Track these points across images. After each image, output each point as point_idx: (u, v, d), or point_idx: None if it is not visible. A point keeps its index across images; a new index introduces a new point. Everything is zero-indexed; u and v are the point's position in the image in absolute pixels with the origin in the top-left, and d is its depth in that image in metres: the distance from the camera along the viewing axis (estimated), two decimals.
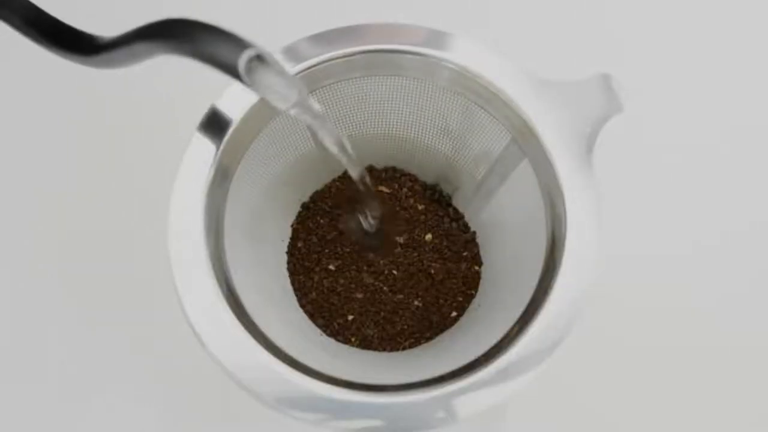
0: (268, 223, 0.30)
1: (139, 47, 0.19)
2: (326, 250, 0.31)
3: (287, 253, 0.31)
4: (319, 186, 0.33)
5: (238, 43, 0.18)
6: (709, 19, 0.39)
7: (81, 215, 0.35)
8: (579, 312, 0.22)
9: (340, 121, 0.30)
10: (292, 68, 0.25)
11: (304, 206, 0.32)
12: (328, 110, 0.29)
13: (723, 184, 0.36)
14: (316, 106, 0.22)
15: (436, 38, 0.26)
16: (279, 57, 0.25)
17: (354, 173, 0.26)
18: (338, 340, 0.30)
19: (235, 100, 0.25)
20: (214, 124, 0.25)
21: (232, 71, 0.18)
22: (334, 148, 0.24)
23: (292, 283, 0.31)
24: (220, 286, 0.23)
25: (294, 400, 0.21)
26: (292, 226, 0.32)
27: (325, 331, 0.30)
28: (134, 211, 0.34)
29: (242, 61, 0.18)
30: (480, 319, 0.29)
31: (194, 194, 0.24)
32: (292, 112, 0.21)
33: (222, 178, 0.25)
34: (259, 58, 0.18)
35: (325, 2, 0.38)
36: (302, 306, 0.30)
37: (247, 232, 0.27)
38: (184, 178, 0.24)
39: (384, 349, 0.30)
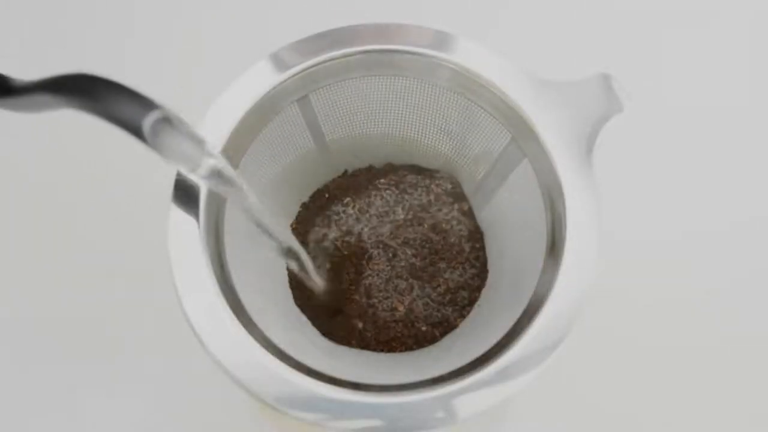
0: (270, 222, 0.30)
1: (44, 98, 0.19)
2: (325, 251, 0.31)
3: None
4: (319, 186, 0.33)
5: (144, 104, 0.18)
6: (710, 19, 0.39)
7: (81, 215, 0.35)
8: (579, 312, 0.22)
9: (340, 122, 0.30)
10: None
11: (304, 206, 0.32)
12: (328, 111, 0.29)
13: (724, 184, 0.36)
14: (230, 171, 0.21)
15: (437, 38, 0.26)
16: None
17: (277, 250, 0.25)
18: (337, 342, 0.30)
19: (235, 100, 0.25)
20: (215, 125, 0.25)
21: (136, 132, 0.18)
22: (251, 220, 0.23)
23: (291, 284, 0.31)
24: (220, 286, 0.23)
25: (294, 400, 0.21)
26: (291, 226, 0.32)
27: (323, 332, 0.30)
28: (134, 211, 0.34)
29: (147, 123, 0.17)
30: (480, 319, 0.29)
31: (194, 194, 0.24)
32: (202, 179, 0.20)
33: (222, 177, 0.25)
34: (166, 120, 0.18)
35: (324, 2, 0.38)
36: (300, 306, 0.30)
37: (246, 232, 0.27)
38: (184, 179, 0.24)
39: (384, 351, 0.30)
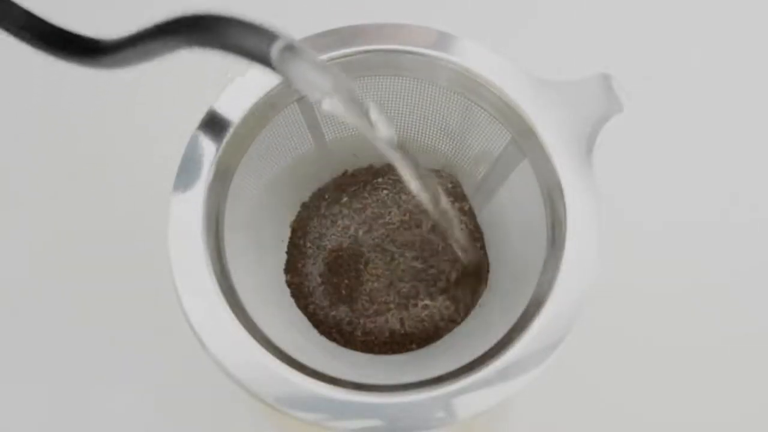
0: (267, 222, 0.30)
1: (160, 44, 0.19)
2: (325, 251, 0.31)
3: (287, 252, 0.31)
4: (320, 185, 0.33)
5: (268, 35, 0.18)
6: (710, 18, 0.39)
7: (81, 215, 0.35)
8: (579, 312, 0.22)
9: (339, 122, 0.30)
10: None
11: (304, 206, 0.32)
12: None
13: (725, 183, 0.36)
14: (356, 91, 0.20)
15: (437, 38, 0.26)
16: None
17: (412, 184, 0.24)
18: (337, 342, 0.30)
19: (235, 100, 0.25)
20: (214, 125, 0.25)
21: (265, 62, 0.18)
22: (382, 145, 0.22)
23: (290, 283, 0.31)
24: (220, 286, 0.23)
25: (294, 400, 0.21)
26: (291, 226, 0.32)
27: (322, 333, 0.30)
28: (134, 211, 0.34)
29: (274, 53, 0.18)
30: (480, 319, 0.29)
31: (194, 194, 0.24)
32: (326, 103, 0.20)
33: (222, 178, 0.25)
34: (290, 48, 0.18)
35: (324, 2, 0.38)
36: (300, 306, 0.30)
37: (247, 232, 0.27)
38: (184, 179, 0.24)
39: (383, 352, 0.30)
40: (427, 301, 0.30)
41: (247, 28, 0.18)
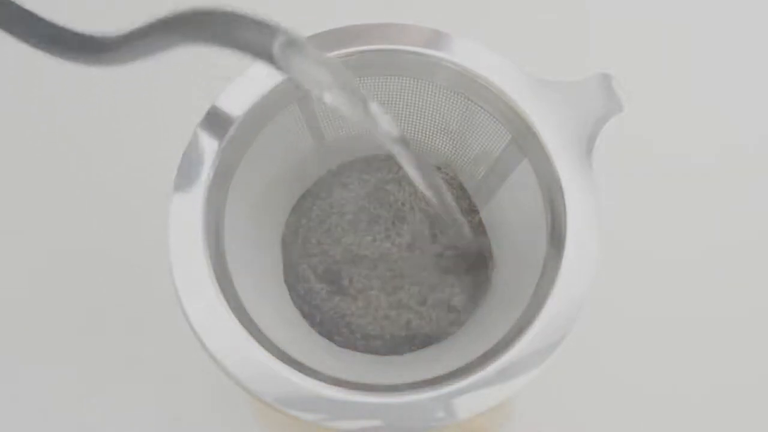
0: (268, 222, 0.30)
1: (161, 40, 0.19)
2: (320, 251, 0.31)
3: (282, 252, 0.31)
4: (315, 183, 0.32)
5: (270, 30, 0.18)
6: (711, 18, 0.39)
7: (81, 215, 0.35)
8: (579, 312, 0.22)
9: (339, 122, 0.30)
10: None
11: (296, 205, 0.32)
12: (328, 110, 0.29)
13: (725, 184, 0.36)
14: (357, 85, 0.20)
15: (436, 38, 0.26)
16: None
17: (412, 173, 0.24)
18: (336, 343, 0.30)
19: (235, 100, 0.25)
20: (214, 125, 0.25)
21: (266, 58, 0.18)
22: (383, 138, 0.22)
23: (288, 284, 0.31)
24: (221, 286, 0.23)
25: (294, 400, 0.21)
26: (285, 224, 0.32)
27: (321, 333, 0.30)
28: (134, 211, 0.34)
29: (276, 48, 0.18)
30: (480, 319, 0.29)
31: (194, 194, 0.24)
32: (328, 97, 0.20)
33: (222, 178, 0.25)
34: (292, 43, 0.18)
35: (324, 2, 0.38)
36: (297, 307, 0.30)
37: (247, 231, 0.27)
38: (184, 179, 0.24)
39: (383, 353, 0.29)
40: (428, 300, 0.30)
41: (248, 23, 0.18)
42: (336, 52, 0.26)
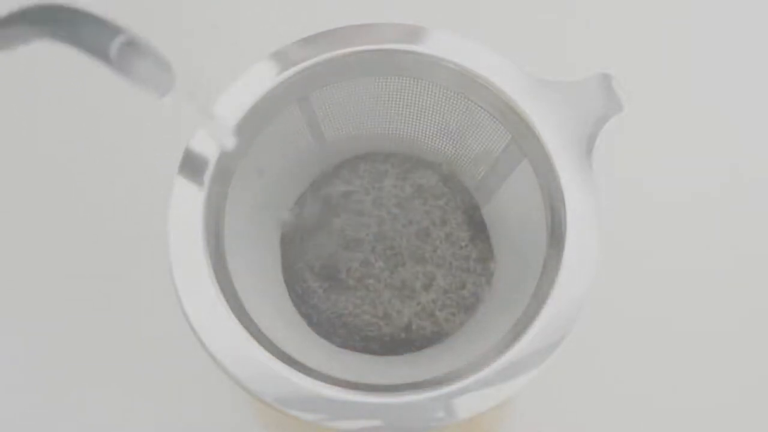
0: (268, 222, 0.30)
1: (18, 31, 0.19)
2: (317, 251, 0.31)
3: (281, 252, 0.31)
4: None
5: (109, 29, 0.18)
6: (711, 18, 0.39)
7: (81, 215, 0.35)
8: (579, 312, 0.22)
9: (340, 121, 0.30)
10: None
11: (295, 205, 0.32)
12: (328, 110, 0.29)
13: (725, 184, 0.36)
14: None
15: (436, 38, 0.26)
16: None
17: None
18: (335, 343, 0.30)
19: (235, 100, 0.25)
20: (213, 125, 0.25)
21: (104, 58, 0.18)
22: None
23: (287, 284, 0.31)
24: (220, 286, 0.23)
25: (294, 400, 0.21)
26: (282, 225, 0.32)
27: (320, 333, 0.30)
28: (134, 211, 0.34)
29: (113, 48, 0.17)
30: (480, 320, 0.29)
31: (194, 195, 0.24)
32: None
33: (222, 178, 0.25)
34: (132, 44, 0.18)
35: (324, 3, 0.38)
36: (298, 306, 0.30)
37: (247, 231, 0.27)
38: (184, 179, 0.24)
39: (383, 354, 0.29)
40: (429, 301, 0.30)
41: (89, 20, 0.18)
42: (336, 52, 0.26)
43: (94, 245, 0.34)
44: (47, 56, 0.21)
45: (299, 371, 0.22)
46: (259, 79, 0.25)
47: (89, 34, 0.18)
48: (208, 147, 0.24)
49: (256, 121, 0.26)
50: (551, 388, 0.30)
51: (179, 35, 0.39)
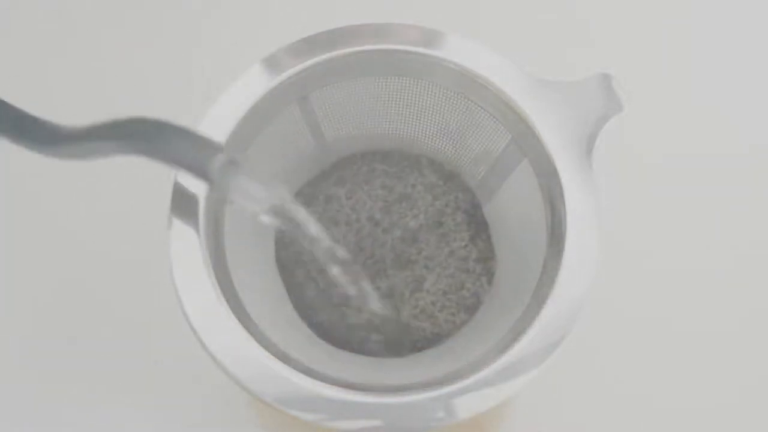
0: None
1: (98, 145, 0.18)
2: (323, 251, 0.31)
3: (276, 253, 0.31)
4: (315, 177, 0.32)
5: (209, 147, 0.17)
6: (711, 18, 0.39)
7: (81, 216, 0.35)
8: (579, 312, 0.22)
9: (340, 122, 0.30)
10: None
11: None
12: (328, 111, 0.29)
13: (725, 184, 0.36)
14: (300, 211, 0.21)
15: (436, 38, 0.26)
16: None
17: (351, 290, 0.25)
18: (335, 344, 0.29)
19: (235, 101, 0.25)
20: (214, 125, 0.25)
21: (204, 176, 0.18)
22: (326, 261, 0.23)
23: (287, 283, 0.31)
24: (221, 286, 0.23)
25: (294, 400, 0.21)
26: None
27: (320, 334, 0.30)
28: (134, 211, 0.34)
29: (214, 168, 0.17)
30: (480, 319, 0.29)
31: (194, 195, 0.24)
32: (266, 218, 0.20)
33: None
34: (232, 163, 0.18)
35: (324, 3, 0.38)
36: (297, 307, 0.30)
37: (247, 231, 0.27)
38: (185, 180, 0.24)
39: (382, 355, 0.29)
40: (430, 302, 0.30)
41: (187, 139, 0.17)
42: (336, 52, 0.26)
43: (93, 245, 0.34)
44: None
45: (299, 371, 0.22)
46: (259, 79, 0.25)
47: (187, 153, 0.17)
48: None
49: (256, 121, 0.26)
50: (551, 388, 0.29)
51: (179, 35, 0.39)
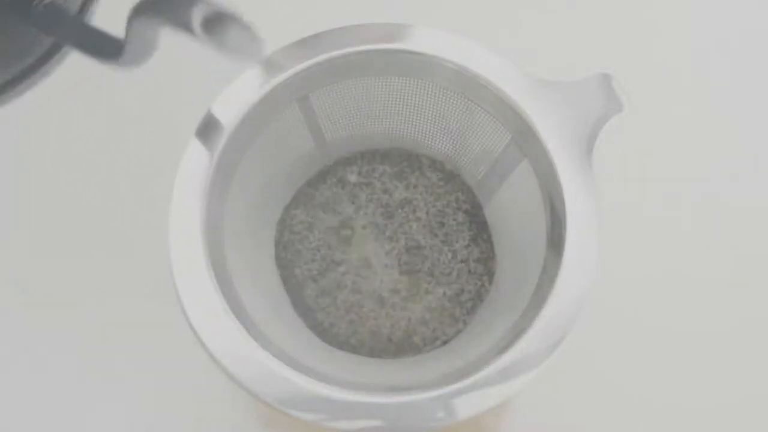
0: (267, 222, 0.30)
1: (141, 32, 0.19)
2: (312, 252, 0.31)
3: (275, 254, 0.31)
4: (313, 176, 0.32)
5: (189, 1, 0.18)
6: (711, 18, 0.39)
7: (81, 216, 0.35)
8: (579, 312, 0.22)
9: (340, 121, 0.30)
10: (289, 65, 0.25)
11: (288, 206, 0.32)
12: (328, 111, 0.29)
13: (725, 184, 0.36)
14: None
15: (436, 38, 0.26)
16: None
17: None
18: (335, 344, 0.29)
19: (235, 100, 0.25)
20: (214, 125, 0.25)
21: (187, 29, 0.18)
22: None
23: (286, 284, 0.31)
24: (221, 286, 0.23)
25: (294, 400, 0.21)
26: (276, 226, 0.32)
27: (320, 334, 0.30)
28: (134, 211, 0.34)
29: (196, 17, 0.17)
30: (481, 319, 0.29)
31: (194, 195, 0.24)
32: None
33: (222, 178, 0.25)
34: (219, 14, 0.18)
35: (324, 3, 0.38)
36: (296, 307, 0.30)
37: (247, 231, 0.27)
38: (184, 179, 0.24)
39: (382, 356, 0.29)
40: (430, 302, 0.30)
41: None
42: (336, 53, 0.26)
43: (93, 245, 0.34)
44: None
45: (299, 371, 0.22)
46: (259, 79, 0.25)
47: (170, 8, 0.17)
48: (209, 147, 0.24)
49: (255, 121, 0.26)
50: (551, 388, 0.29)
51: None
